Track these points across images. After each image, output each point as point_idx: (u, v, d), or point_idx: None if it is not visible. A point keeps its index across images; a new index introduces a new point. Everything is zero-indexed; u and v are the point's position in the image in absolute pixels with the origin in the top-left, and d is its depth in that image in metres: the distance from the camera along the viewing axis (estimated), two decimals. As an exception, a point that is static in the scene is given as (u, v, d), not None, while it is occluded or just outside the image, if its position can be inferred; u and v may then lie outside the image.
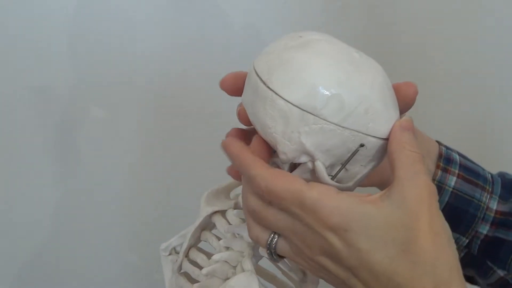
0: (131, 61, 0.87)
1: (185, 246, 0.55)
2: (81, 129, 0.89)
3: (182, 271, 0.57)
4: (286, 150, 0.44)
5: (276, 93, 0.43)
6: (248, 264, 0.50)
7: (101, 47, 0.86)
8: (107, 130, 0.89)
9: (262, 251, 0.47)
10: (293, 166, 0.47)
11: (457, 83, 0.91)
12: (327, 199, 0.41)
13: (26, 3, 0.82)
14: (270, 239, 0.45)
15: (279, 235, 0.45)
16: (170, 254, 0.58)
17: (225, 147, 0.46)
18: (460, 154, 0.59)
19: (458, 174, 0.57)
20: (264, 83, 0.44)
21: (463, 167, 0.58)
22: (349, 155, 0.45)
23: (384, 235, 0.39)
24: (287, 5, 0.86)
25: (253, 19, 0.86)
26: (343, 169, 0.45)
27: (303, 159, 0.45)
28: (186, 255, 0.56)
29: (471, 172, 0.58)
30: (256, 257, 0.52)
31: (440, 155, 0.58)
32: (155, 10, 0.85)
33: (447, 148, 0.59)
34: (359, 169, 0.46)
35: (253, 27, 0.87)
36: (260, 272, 0.56)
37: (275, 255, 0.45)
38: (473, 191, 0.57)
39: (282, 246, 0.45)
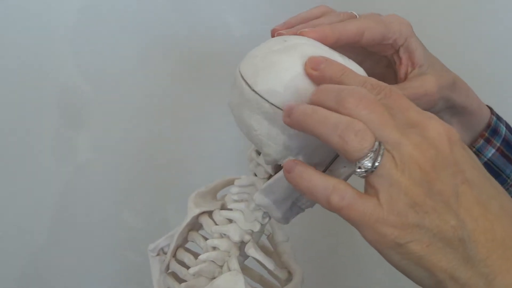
0: (127, 60, 0.87)
1: (172, 246, 0.56)
2: (77, 125, 0.89)
3: (169, 271, 0.57)
4: (271, 151, 0.45)
5: (261, 96, 0.44)
6: (234, 264, 0.51)
7: (98, 45, 0.86)
8: (102, 126, 0.90)
9: (359, 165, 0.38)
10: (278, 167, 0.48)
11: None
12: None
13: (22, 1, 0.83)
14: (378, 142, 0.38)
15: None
16: (158, 254, 0.59)
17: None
18: (508, 127, 0.60)
19: (499, 147, 0.58)
20: (249, 86, 0.45)
21: (505, 142, 0.58)
22: (333, 156, 0.46)
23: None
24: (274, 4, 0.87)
25: (244, 19, 0.87)
26: (327, 170, 0.46)
27: (288, 160, 0.46)
28: (174, 255, 0.56)
29: (511, 148, 0.59)
30: (242, 256, 0.53)
31: (488, 125, 0.58)
32: (148, 7, 0.85)
33: (498, 118, 0.59)
34: (342, 170, 0.46)
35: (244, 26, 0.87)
36: (246, 271, 0.57)
37: (373, 165, 0.37)
38: (505, 166, 0.58)
39: (389, 159, 0.38)
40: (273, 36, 0.49)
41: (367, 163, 0.37)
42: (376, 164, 0.37)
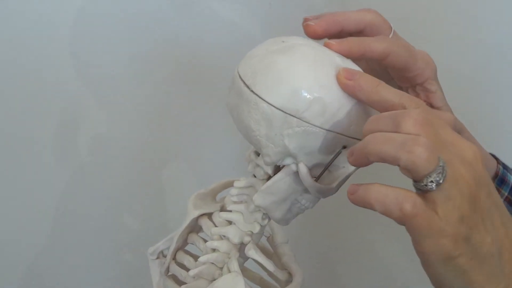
0: (127, 61, 0.87)
1: (172, 248, 0.56)
2: (77, 126, 0.89)
3: (169, 273, 0.57)
4: (270, 152, 0.45)
5: (259, 97, 0.44)
6: (234, 265, 0.51)
7: (98, 46, 0.86)
8: (102, 128, 0.90)
9: (425, 180, 0.38)
10: (277, 168, 0.48)
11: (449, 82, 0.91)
12: None
13: (22, 1, 0.83)
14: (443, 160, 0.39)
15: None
16: (157, 257, 0.59)
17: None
18: None
19: (506, 196, 0.59)
20: (248, 87, 0.45)
21: None
22: (331, 157, 0.46)
23: None
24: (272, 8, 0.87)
25: (239, 21, 0.87)
26: (326, 171, 0.46)
27: (287, 161, 0.46)
28: (174, 257, 0.56)
29: None
30: (242, 258, 0.53)
31: (496, 175, 0.59)
32: (148, 9, 0.85)
33: (504, 167, 0.60)
34: (341, 170, 0.47)
35: (239, 29, 0.87)
36: (246, 273, 0.57)
37: (441, 178, 0.38)
38: None
39: (448, 174, 0.39)
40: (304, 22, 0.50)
41: (438, 177, 0.38)
42: (443, 179, 0.38)
